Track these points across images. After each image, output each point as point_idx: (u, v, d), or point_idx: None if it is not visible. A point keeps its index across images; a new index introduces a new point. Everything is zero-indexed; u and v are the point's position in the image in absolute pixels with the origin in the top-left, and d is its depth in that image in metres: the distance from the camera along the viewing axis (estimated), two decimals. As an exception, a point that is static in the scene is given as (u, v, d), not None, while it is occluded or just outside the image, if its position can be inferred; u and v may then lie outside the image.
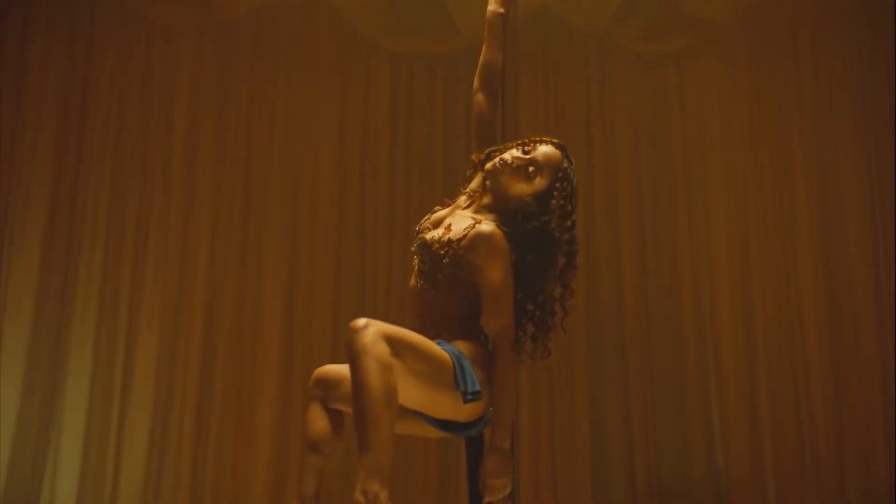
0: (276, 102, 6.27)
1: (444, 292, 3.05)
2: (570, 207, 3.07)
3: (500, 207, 3.10)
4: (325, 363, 5.42)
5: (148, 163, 6.17)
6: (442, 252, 3.05)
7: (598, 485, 5.86)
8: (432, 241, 3.09)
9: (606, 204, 6.16)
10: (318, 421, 3.08)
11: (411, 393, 2.84)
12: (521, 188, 3.08)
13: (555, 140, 3.15)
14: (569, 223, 3.05)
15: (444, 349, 2.92)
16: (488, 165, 3.13)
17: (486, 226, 3.01)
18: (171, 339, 6.00)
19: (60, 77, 6.13)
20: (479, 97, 3.37)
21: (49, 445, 5.84)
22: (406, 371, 2.78)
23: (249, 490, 5.89)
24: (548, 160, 3.10)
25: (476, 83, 3.36)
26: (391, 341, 2.73)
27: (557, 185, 3.06)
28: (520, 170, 3.08)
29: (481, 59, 3.37)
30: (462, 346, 2.97)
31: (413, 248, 3.17)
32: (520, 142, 3.16)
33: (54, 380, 5.88)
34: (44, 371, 5.88)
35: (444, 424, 3.01)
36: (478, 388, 2.89)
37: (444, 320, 3.04)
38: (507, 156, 3.11)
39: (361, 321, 2.73)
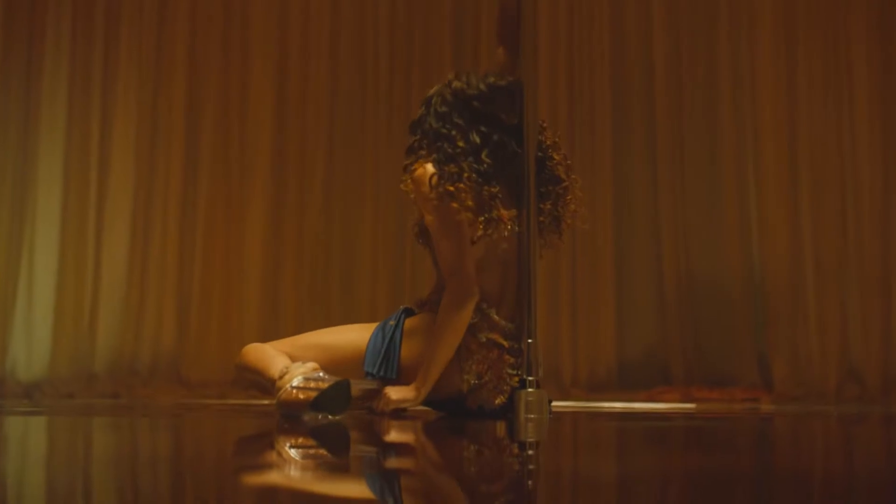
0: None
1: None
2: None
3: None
4: (322, 143, 5.60)
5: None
6: (417, 230, 3.55)
7: (622, 277, 5.92)
8: (413, 226, 3.57)
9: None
10: None
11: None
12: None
13: None
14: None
15: (380, 327, 3.48)
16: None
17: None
18: (150, 121, 6.10)
19: None
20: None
21: (23, 239, 6.00)
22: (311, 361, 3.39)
23: (243, 285, 6.05)
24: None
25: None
26: (279, 343, 3.56)
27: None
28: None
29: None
30: (423, 319, 3.46)
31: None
32: None
33: (24, 170, 6.01)
34: (13, 157, 6.02)
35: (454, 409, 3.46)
36: (378, 369, 3.42)
37: (439, 290, 3.47)
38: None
39: None
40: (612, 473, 2.03)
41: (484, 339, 3.36)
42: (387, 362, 3.43)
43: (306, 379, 3.25)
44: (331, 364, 3.41)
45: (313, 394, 3.20)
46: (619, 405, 5.31)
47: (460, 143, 3.39)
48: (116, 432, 3.16)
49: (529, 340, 3.30)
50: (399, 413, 3.39)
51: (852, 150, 5.92)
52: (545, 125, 3.61)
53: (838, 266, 5.84)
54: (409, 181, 3.43)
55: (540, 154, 3.47)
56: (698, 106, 6.06)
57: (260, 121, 6.18)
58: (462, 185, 3.33)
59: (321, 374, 3.28)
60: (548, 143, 3.55)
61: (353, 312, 5.78)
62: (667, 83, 6.07)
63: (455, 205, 3.32)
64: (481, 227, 3.35)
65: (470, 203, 3.33)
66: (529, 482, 1.83)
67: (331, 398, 3.22)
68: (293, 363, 3.35)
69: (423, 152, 3.45)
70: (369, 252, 6.03)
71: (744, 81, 6.03)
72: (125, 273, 6.03)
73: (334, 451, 2.54)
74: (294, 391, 3.23)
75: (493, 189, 3.36)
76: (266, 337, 5.47)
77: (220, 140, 6.17)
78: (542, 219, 3.47)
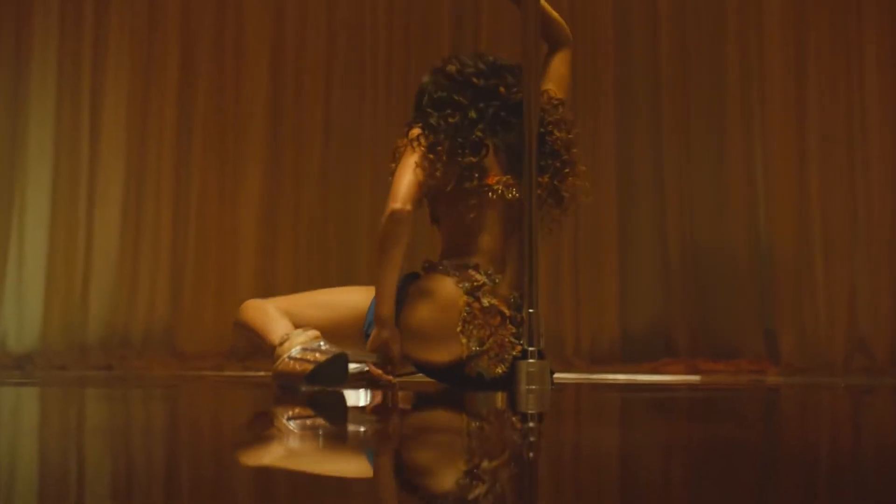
0: None
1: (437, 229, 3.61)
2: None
3: None
4: (319, 119, 5.61)
5: None
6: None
7: (626, 247, 5.92)
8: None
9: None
10: None
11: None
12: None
13: None
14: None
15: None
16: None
17: None
18: (142, 89, 6.09)
19: None
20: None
21: (13, 209, 6.00)
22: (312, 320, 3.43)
23: (238, 255, 6.06)
24: None
25: None
26: (280, 301, 3.57)
27: None
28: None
29: None
30: (429, 281, 3.45)
31: None
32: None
33: (14, 139, 6.01)
34: (2, 125, 6.01)
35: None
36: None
37: (447, 254, 3.52)
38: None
39: None
40: (615, 444, 2.04)
41: (487, 304, 3.37)
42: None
43: (304, 350, 3.25)
44: (332, 324, 3.43)
45: (310, 366, 3.21)
46: (622, 377, 5.32)
47: (451, 119, 3.43)
48: (110, 403, 3.17)
49: (531, 310, 3.30)
50: (389, 368, 3.38)
51: (862, 118, 5.91)
52: (557, 103, 3.64)
53: (847, 236, 5.84)
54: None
55: (542, 130, 3.49)
56: (704, 75, 6.04)
57: (255, 89, 6.16)
58: (432, 157, 3.39)
59: (322, 343, 3.29)
60: (549, 119, 3.57)
61: (352, 276, 5.80)
62: (672, 52, 6.05)
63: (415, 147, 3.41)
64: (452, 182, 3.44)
65: (438, 175, 3.39)
66: (530, 454, 1.83)
67: (327, 372, 3.23)
68: (294, 330, 3.35)
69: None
70: (366, 218, 6.01)
71: (751, 50, 6.01)
72: (118, 243, 6.03)
73: (330, 422, 2.54)
74: (291, 362, 3.24)
75: (473, 160, 3.41)
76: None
77: (214, 108, 6.15)
78: (539, 192, 3.48)
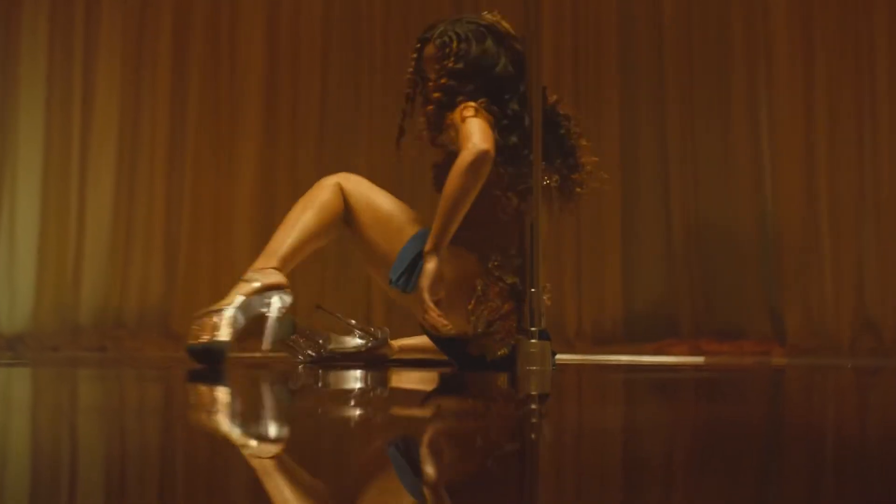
0: None
1: None
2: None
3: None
4: (315, 98, 5.59)
5: None
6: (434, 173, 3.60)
7: (628, 226, 5.95)
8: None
9: None
10: None
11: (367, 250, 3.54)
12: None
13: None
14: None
15: (419, 237, 3.39)
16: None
17: None
18: (134, 62, 6.07)
19: None
20: None
21: (3, 186, 5.99)
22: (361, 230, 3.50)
23: (233, 234, 6.05)
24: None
25: None
26: (355, 182, 3.56)
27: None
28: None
29: None
30: (453, 249, 3.36)
31: None
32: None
33: (3, 115, 5.99)
34: None
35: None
36: (398, 279, 3.35)
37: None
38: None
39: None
40: (618, 425, 2.04)
41: (509, 281, 3.37)
42: (408, 276, 3.39)
43: (217, 313, 3.27)
44: (370, 245, 3.52)
45: (192, 342, 3.27)
46: (625, 358, 5.32)
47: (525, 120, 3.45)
48: (103, 384, 3.17)
49: (532, 290, 3.30)
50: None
51: (871, 95, 5.89)
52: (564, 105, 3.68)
53: (854, 216, 5.84)
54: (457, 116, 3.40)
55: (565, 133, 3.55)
56: (709, 50, 6.02)
57: (250, 66, 6.13)
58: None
59: (259, 302, 3.32)
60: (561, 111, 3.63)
61: (350, 257, 5.78)
62: (676, 26, 6.03)
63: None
64: (515, 197, 3.42)
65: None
66: (532, 434, 1.83)
67: (204, 354, 3.28)
68: (263, 269, 3.37)
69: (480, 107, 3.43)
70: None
71: (757, 24, 5.99)
72: (111, 223, 6.02)
73: (330, 403, 2.55)
74: (193, 325, 3.31)
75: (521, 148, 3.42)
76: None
77: (209, 81, 6.13)
78: (579, 189, 3.55)
